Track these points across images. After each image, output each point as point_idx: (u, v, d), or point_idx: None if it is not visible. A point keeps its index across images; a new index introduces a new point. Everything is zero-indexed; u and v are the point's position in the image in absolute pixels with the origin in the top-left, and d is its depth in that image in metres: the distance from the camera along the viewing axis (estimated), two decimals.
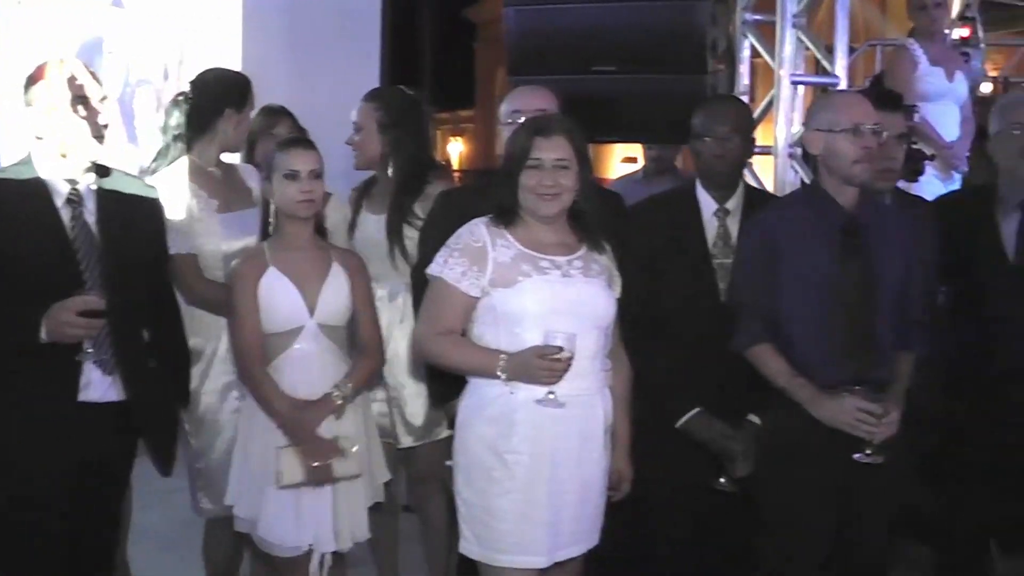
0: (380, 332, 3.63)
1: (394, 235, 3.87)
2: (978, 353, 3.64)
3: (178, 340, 3.51)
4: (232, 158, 4.05)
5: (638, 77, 4.21)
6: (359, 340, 3.54)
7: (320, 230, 3.55)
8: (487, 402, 3.05)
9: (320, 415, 3.39)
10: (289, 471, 3.32)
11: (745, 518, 3.50)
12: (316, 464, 3.33)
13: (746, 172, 4.70)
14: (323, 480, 3.36)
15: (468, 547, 3.10)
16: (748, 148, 3.70)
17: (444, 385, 3.34)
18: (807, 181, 4.47)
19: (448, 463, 3.22)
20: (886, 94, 3.80)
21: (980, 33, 7.42)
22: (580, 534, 3.13)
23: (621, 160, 9.91)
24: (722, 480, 3.55)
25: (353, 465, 3.40)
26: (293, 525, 3.38)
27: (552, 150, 3.05)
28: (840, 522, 3.28)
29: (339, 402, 3.41)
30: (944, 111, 5.55)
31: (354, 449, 3.39)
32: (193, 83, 3.91)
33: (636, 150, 5.28)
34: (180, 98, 3.87)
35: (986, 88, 8.71)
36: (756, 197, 3.71)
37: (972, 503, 3.72)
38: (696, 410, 3.52)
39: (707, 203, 3.60)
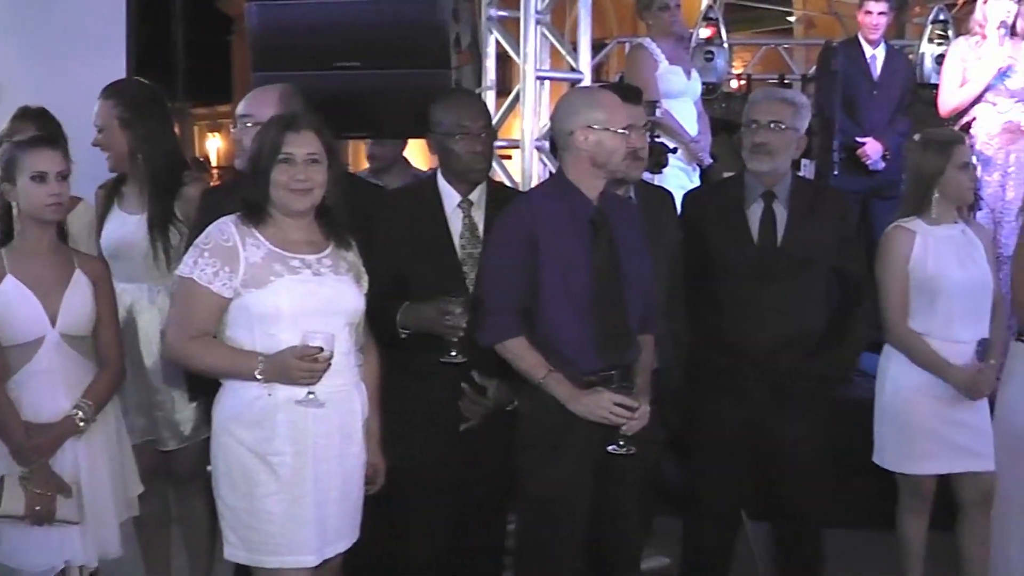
0: (121, 343, 3.52)
1: (158, 234, 3.75)
2: (714, 334, 3.83)
3: None
4: None
5: (382, 73, 4.21)
6: (99, 351, 3.42)
7: (61, 234, 3.41)
8: (245, 404, 3.02)
9: (58, 440, 3.28)
10: (9, 501, 3.18)
11: (502, 512, 3.61)
12: (38, 508, 3.19)
13: (494, 165, 4.81)
14: (42, 520, 3.21)
15: (234, 552, 3.07)
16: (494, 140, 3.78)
17: (203, 383, 3.27)
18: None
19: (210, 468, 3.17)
20: (628, 88, 3.96)
21: (723, 33, 7.83)
22: (344, 530, 3.15)
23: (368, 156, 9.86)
24: (462, 427, 3.52)
25: (74, 511, 3.26)
26: (39, 546, 3.25)
27: (303, 145, 3.05)
28: (595, 506, 3.36)
29: (81, 424, 3.30)
30: (684, 107, 5.84)
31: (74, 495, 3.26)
32: None
33: None
34: None
35: (733, 84, 9.21)
36: (497, 188, 3.79)
37: (716, 476, 3.91)
38: (405, 303, 3.46)
39: (450, 195, 3.59)
